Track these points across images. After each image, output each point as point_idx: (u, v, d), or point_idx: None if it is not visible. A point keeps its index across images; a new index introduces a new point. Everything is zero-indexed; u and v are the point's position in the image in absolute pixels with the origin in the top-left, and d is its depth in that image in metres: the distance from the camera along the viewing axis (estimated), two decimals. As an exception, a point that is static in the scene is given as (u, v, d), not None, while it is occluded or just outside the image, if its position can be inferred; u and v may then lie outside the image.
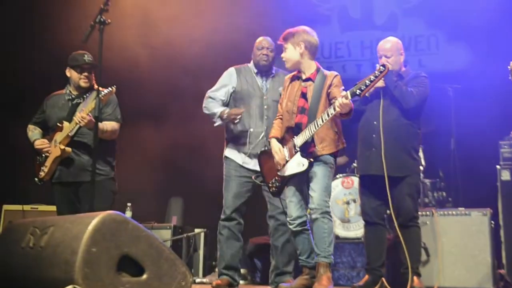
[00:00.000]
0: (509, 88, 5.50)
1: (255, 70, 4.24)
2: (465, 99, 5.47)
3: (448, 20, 6.29)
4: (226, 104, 4.23)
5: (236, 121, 4.05)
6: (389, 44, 3.96)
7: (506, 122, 4.83)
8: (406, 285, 3.73)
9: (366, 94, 3.46)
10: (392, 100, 3.84)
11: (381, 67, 3.35)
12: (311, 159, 3.52)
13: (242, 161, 4.13)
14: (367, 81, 3.33)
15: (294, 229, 3.62)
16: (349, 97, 3.32)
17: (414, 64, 6.46)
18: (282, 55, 3.73)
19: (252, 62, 4.28)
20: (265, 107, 4.12)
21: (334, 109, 3.34)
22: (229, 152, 4.20)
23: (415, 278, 3.81)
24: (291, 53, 3.68)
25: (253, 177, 3.99)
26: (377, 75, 3.33)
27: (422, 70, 6.30)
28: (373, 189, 3.91)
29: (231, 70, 4.30)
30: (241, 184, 4.11)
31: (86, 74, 4.05)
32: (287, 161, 3.60)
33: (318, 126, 3.45)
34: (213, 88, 4.26)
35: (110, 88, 3.79)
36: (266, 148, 3.96)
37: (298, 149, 3.54)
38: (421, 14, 6.56)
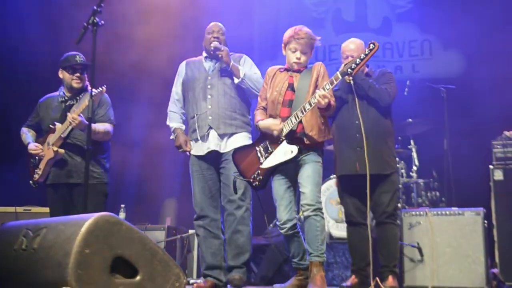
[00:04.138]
0: (501, 88, 5.56)
1: (205, 55, 4.13)
2: (458, 100, 5.49)
3: (441, 25, 6.30)
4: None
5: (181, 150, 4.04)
6: (354, 45, 3.95)
7: (499, 122, 4.85)
8: (385, 284, 3.72)
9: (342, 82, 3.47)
10: (368, 99, 3.84)
11: (371, 45, 3.35)
12: (301, 146, 3.47)
13: (196, 150, 4.02)
14: (357, 60, 3.33)
15: (285, 233, 3.56)
16: (340, 77, 3.35)
17: (408, 69, 6.48)
18: (304, 58, 3.62)
19: (204, 50, 4.16)
20: (209, 86, 4.01)
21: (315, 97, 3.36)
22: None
23: (390, 277, 3.78)
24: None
25: (234, 176, 3.67)
26: (367, 53, 3.33)
27: (416, 75, 6.37)
28: (355, 189, 3.87)
29: (182, 63, 4.24)
30: (203, 178, 4.00)
31: (78, 74, 4.04)
32: (270, 153, 3.52)
33: (305, 111, 3.41)
34: (171, 98, 4.21)
35: (100, 88, 3.78)
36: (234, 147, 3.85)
37: (284, 138, 3.48)
38: (414, 20, 6.57)
